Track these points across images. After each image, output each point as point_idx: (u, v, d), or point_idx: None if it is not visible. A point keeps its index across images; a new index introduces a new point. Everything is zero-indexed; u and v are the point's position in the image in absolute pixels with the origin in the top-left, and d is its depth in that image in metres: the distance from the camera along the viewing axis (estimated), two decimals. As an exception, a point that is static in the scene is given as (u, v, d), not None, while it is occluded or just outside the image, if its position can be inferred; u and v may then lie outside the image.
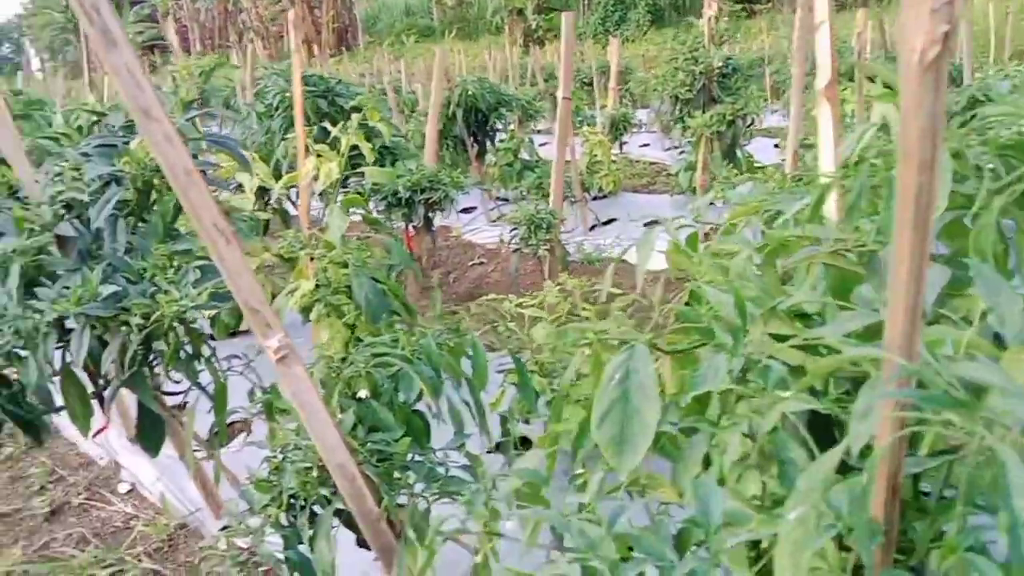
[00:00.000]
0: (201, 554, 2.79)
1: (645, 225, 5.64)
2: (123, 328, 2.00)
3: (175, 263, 2.10)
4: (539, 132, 10.86)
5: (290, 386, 1.71)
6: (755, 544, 0.91)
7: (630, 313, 2.34)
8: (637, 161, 9.53)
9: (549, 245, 3.52)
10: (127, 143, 2.15)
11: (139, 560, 2.79)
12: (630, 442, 0.96)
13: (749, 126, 5.29)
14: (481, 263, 6.97)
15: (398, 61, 16.73)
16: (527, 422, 2.80)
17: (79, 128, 2.31)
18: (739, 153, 5.41)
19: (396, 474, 1.93)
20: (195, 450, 2.81)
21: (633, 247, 4.95)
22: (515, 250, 3.70)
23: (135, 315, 1.95)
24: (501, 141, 7.58)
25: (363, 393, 2.00)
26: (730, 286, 0.99)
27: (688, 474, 0.97)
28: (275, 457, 1.99)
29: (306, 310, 3.50)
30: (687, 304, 1.22)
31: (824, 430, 0.95)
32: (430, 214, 4.38)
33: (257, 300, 1.64)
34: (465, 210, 7.73)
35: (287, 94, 4.79)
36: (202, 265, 2.08)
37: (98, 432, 2.51)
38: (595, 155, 7.37)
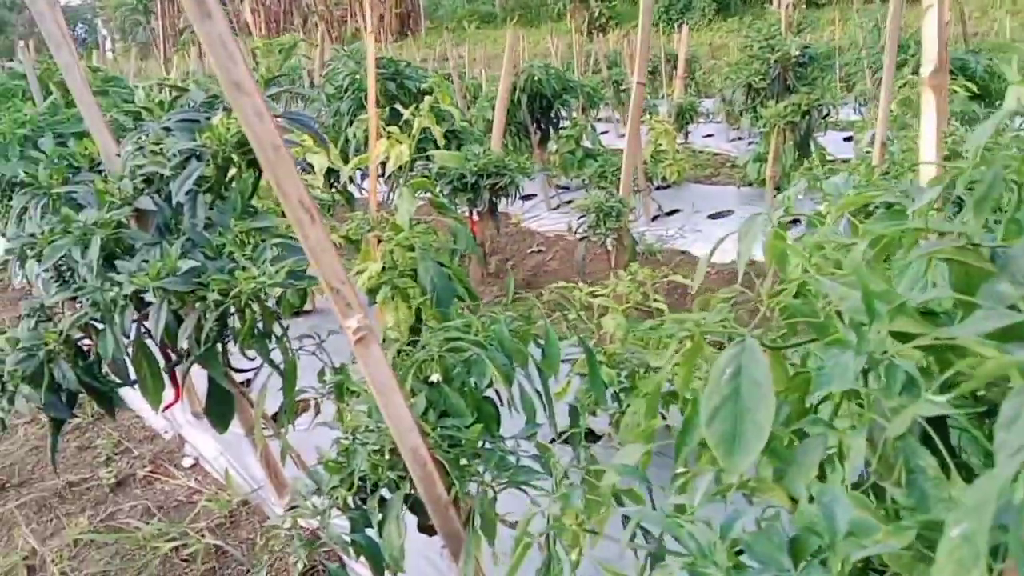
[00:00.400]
0: (265, 532, 2.81)
1: (710, 217, 5.51)
2: (200, 304, 2.00)
3: (253, 240, 2.09)
4: (600, 120, 10.73)
5: (367, 367, 1.69)
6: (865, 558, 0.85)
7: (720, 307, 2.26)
8: (700, 151, 9.35)
9: (617, 234, 3.45)
10: (208, 119, 2.15)
11: (202, 535, 2.82)
12: (742, 442, 0.90)
13: (825, 116, 5.12)
14: (540, 251, 6.91)
15: (460, 47, 16.70)
16: (594, 414, 2.76)
17: (160, 103, 2.31)
18: (813, 145, 5.25)
19: (465, 461, 1.90)
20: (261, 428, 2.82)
21: (697, 239, 4.83)
22: (582, 238, 3.64)
23: (212, 291, 1.94)
24: (563, 128, 7.51)
25: (435, 377, 1.97)
26: (856, 279, 0.92)
27: (802, 479, 0.91)
28: (345, 439, 1.97)
29: (372, 292, 3.50)
30: (795, 297, 1.15)
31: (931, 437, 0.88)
32: (495, 200, 4.34)
33: (339, 279, 1.61)
34: (525, 197, 7.68)
35: (356, 76, 4.79)
36: (280, 242, 2.07)
37: (168, 407, 2.52)
38: (660, 144, 7.24)
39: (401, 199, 3.38)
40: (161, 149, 2.14)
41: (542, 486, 1.93)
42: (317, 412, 2.24)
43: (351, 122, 4.99)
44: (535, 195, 7.66)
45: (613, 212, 3.38)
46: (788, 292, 1.17)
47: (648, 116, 7.94)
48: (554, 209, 7.53)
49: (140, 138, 2.22)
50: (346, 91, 4.82)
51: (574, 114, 8.10)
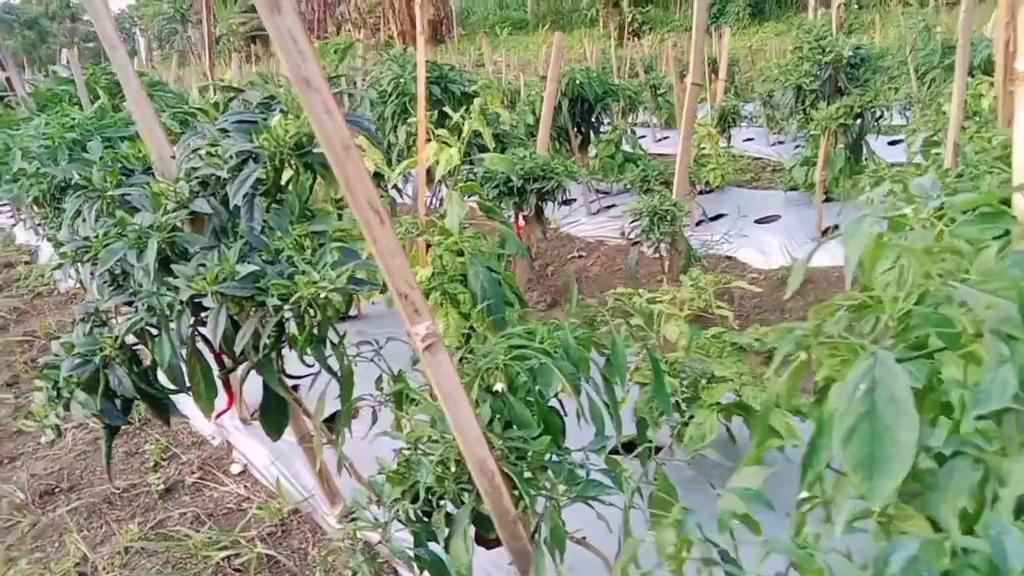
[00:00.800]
0: (317, 542, 2.76)
1: (757, 222, 5.37)
2: (259, 309, 1.95)
3: (311, 244, 2.04)
4: (636, 125, 10.61)
5: (435, 376, 1.62)
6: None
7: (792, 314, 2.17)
8: (740, 156, 9.20)
9: (671, 239, 3.36)
10: (265, 120, 2.10)
11: (253, 544, 2.77)
12: (883, 465, 0.81)
13: (878, 119, 4.98)
14: (580, 256, 6.84)
15: (494, 53, 16.68)
16: (656, 424, 2.67)
17: (215, 105, 2.27)
18: (865, 148, 5.11)
19: (532, 474, 1.82)
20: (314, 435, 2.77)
21: (744, 244, 4.68)
22: (634, 243, 3.55)
23: (272, 295, 1.89)
24: (603, 132, 7.42)
25: (499, 387, 1.90)
26: (1010, 285, 0.83)
27: (950, 506, 0.82)
28: (407, 449, 1.91)
29: (421, 297, 3.44)
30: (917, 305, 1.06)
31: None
32: (541, 204, 4.27)
33: (408, 284, 1.55)
34: (565, 202, 7.60)
35: (401, 80, 4.75)
36: (339, 246, 2.01)
37: (220, 413, 2.48)
38: (703, 148, 7.13)
39: (451, 203, 3.32)
40: (217, 151, 2.10)
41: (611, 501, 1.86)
42: (374, 421, 2.17)
43: (395, 127, 4.95)
44: (574, 200, 7.58)
45: (667, 216, 3.29)
46: (908, 300, 1.08)
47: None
48: (594, 214, 7.44)
49: (195, 140, 2.18)
50: (391, 95, 4.78)
51: (615, 118, 8.02)
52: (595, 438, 1.91)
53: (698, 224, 6.70)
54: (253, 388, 2.32)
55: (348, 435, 2.32)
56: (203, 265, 2.02)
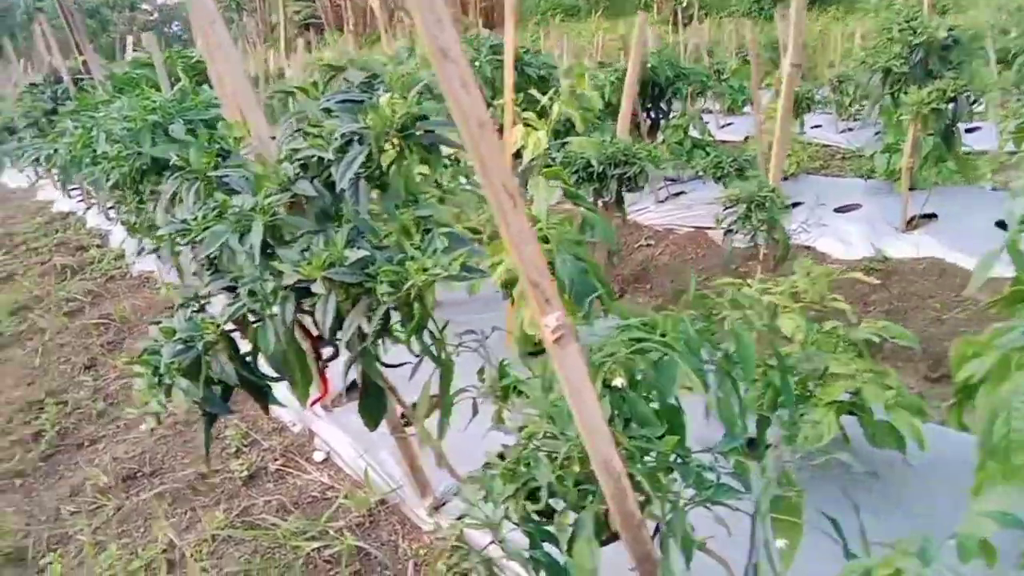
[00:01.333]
0: (408, 535, 2.69)
1: (837, 211, 5.15)
2: (367, 296, 1.87)
3: (418, 229, 1.96)
4: (706, 112, 10.37)
5: (563, 369, 1.52)
6: None
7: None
8: (809, 143, 8.92)
9: (768, 228, 3.21)
10: (369, 100, 2.02)
11: (342, 535, 2.72)
12: None
13: (973, 103, 4.73)
14: (648, 245, 6.69)
15: (548, 39, 16.49)
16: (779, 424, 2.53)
17: (314, 84, 2.20)
18: (957, 134, 4.87)
19: (658, 476, 1.72)
20: (405, 425, 2.70)
21: (824, 233, 4.45)
22: (726, 232, 3.40)
23: (382, 282, 1.81)
24: (672, 117, 7.24)
25: (618, 382, 1.79)
26: None
27: None
28: (521, 445, 1.82)
29: (506, 286, 3.35)
30: None
31: None
32: (622, 190, 4.14)
33: (539, 272, 1.45)
34: (629, 189, 7.43)
35: (476, 63, 4.65)
36: (447, 232, 1.92)
37: (315, 401, 2.42)
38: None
39: (537, 188, 3.22)
40: (321, 132, 2.02)
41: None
42: (475, 413, 2.09)
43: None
44: (641, 187, 7.40)
45: (765, 203, 3.14)
46: None
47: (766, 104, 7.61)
48: (661, 202, 7.29)
49: (297, 120, 2.11)
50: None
51: (685, 103, 7.82)
52: (724, 438, 1.79)
53: (772, 212, 6.50)
54: (335, 375, 2.26)
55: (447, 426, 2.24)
56: (306, 250, 1.95)
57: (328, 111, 2.05)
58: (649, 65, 6.53)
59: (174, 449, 3.61)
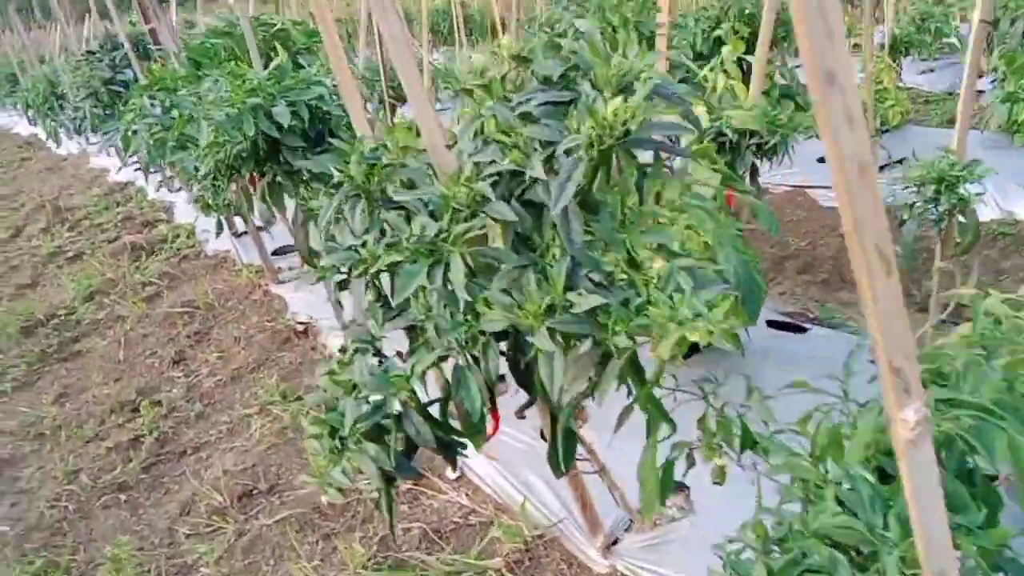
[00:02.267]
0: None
1: None
2: (596, 348, 1.54)
3: (653, 263, 1.60)
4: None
5: (911, 471, 1.17)
6: None
7: None
8: (909, 89, 8.33)
9: (959, 211, 2.80)
10: (572, 102, 1.65)
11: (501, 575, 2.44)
12: None
13: None
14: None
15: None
16: None
17: (501, 79, 1.82)
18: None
19: None
20: (583, 459, 2.39)
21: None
22: (901, 223, 3.00)
23: (619, 333, 1.47)
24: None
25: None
26: None
27: None
28: (788, 527, 1.48)
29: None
30: None
31: None
32: (757, 162, 3.73)
33: (904, 355, 1.09)
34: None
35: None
36: (687, 266, 1.57)
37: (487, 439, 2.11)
38: (881, 82, 6.39)
39: (696, 170, 2.83)
40: (518, 142, 1.66)
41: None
42: (690, 464, 1.76)
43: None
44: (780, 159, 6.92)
45: (958, 183, 2.74)
46: None
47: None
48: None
49: (482, 126, 1.75)
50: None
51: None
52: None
53: (882, 169, 6.03)
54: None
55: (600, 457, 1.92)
56: (507, 291, 1.61)
57: (526, 116, 1.68)
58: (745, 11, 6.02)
59: (288, 460, 3.34)
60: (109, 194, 8.14)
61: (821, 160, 6.37)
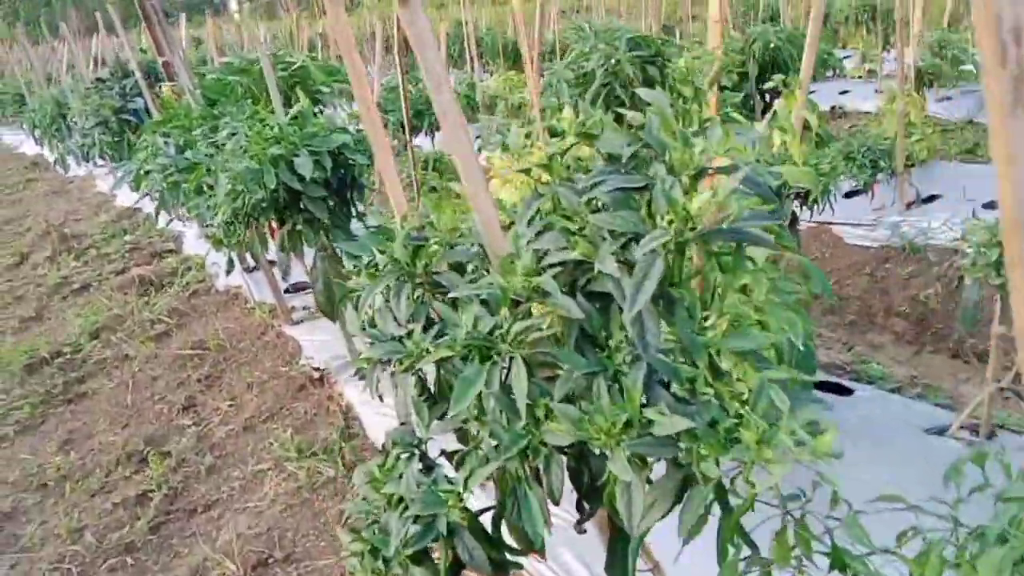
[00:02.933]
0: None
1: (986, 206, 4.45)
2: (675, 469, 1.37)
3: (738, 369, 1.44)
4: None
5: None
6: None
7: None
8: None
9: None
10: (646, 187, 1.49)
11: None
12: None
13: None
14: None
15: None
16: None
17: (561, 154, 1.66)
18: None
19: None
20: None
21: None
22: (960, 279, 2.83)
23: (707, 458, 1.30)
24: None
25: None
26: None
27: None
28: None
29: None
30: None
31: None
32: (797, 210, 3.58)
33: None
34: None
35: (612, 60, 4.08)
36: (780, 380, 1.40)
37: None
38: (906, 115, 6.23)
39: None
40: (584, 230, 1.51)
41: None
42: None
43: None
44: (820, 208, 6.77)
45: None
46: None
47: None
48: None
49: (539, 209, 1.59)
50: (591, 78, 4.14)
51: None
52: None
53: (908, 207, 5.87)
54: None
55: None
56: (572, 399, 1.45)
57: (593, 201, 1.53)
58: (771, 45, 5.89)
59: (304, 524, 3.17)
60: (116, 221, 7.99)
61: (847, 195, 6.23)
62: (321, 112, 3.75)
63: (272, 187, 2.90)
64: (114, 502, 3.56)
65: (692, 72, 2.11)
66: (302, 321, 4.84)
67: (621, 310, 1.60)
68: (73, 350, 5.10)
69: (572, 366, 1.47)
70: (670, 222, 1.42)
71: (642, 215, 1.48)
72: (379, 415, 3.71)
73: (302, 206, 3.19)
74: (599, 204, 1.59)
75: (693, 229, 1.42)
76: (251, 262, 5.52)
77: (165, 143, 3.88)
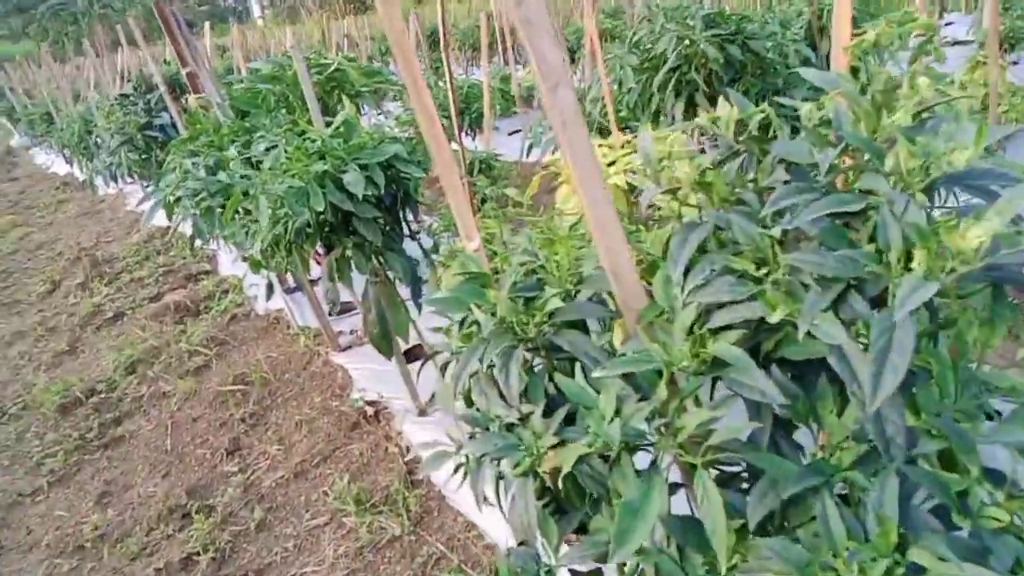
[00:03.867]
0: None
1: None
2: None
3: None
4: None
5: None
6: None
7: None
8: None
9: None
10: (868, 209, 1.05)
11: None
12: None
13: None
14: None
15: None
16: None
17: (718, 166, 1.22)
18: None
19: None
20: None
21: None
22: None
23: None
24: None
25: None
26: None
27: None
28: None
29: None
30: None
31: None
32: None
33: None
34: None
35: (687, 42, 3.60)
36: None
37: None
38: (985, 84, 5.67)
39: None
40: (766, 272, 1.07)
41: None
42: None
43: (661, 104, 3.85)
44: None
45: None
46: None
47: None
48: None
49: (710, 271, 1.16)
50: (663, 61, 3.68)
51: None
52: None
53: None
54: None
55: None
56: (768, 524, 1.02)
57: (783, 233, 1.08)
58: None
59: (372, 594, 2.77)
60: (148, 241, 7.67)
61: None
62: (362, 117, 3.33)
63: (320, 209, 2.48)
64: (156, 568, 3.18)
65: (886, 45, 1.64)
66: (350, 347, 4.44)
67: (832, 382, 1.17)
68: (108, 388, 4.76)
69: (777, 476, 1.03)
70: (926, 263, 0.96)
71: (868, 252, 1.03)
72: (445, 457, 3.30)
73: (351, 228, 2.78)
74: (790, 236, 1.15)
75: (952, 271, 0.97)
76: (292, 282, 5.14)
77: (194, 164, 3.49)
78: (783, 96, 3.82)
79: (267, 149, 2.84)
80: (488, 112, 6.17)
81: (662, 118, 3.91)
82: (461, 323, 1.35)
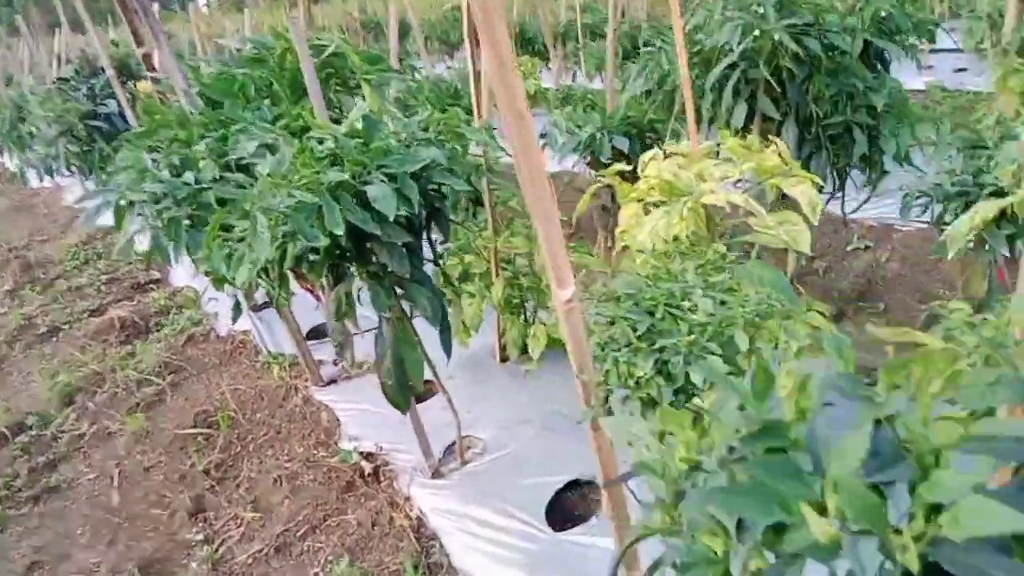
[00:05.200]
0: None
1: None
2: None
3: None
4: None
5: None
6: None
7: None
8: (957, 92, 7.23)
9: None
10: None
11: None
12: None
13: None
14: (866, 247, 5.12)
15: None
16: None
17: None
18: None
19: None
20: None
21: None
22: None
23: None
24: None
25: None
26: None
27: None
28: None
29: None
30: None
31: None
32: None
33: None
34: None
35: (759, 31, 3.04)
36: None
37: None
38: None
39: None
40: None
41: None
42: None
43: (717, 102, 3.30)
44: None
45: None
46: None
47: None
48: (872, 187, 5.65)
49: None
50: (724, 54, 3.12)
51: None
52: None
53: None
54: None
55: None
56: None
57: None
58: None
59: None
60: (88, 243, 6.84)
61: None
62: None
63: (340, 232, 1.84)
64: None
65: None
66: (334, 381, 3.78)
67: None
68: (40, 423, 3.99)
69: None
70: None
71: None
72: (465, 532, 2.68)
73: (369, 254, 2.15)
74: None
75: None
76: (259, 297, 4.44)
77: (154, 162, 2.80)
78: (861, 100, 3.30)
79: (263, 146, 2.19)
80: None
81: (712, 124, 3.36)
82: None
